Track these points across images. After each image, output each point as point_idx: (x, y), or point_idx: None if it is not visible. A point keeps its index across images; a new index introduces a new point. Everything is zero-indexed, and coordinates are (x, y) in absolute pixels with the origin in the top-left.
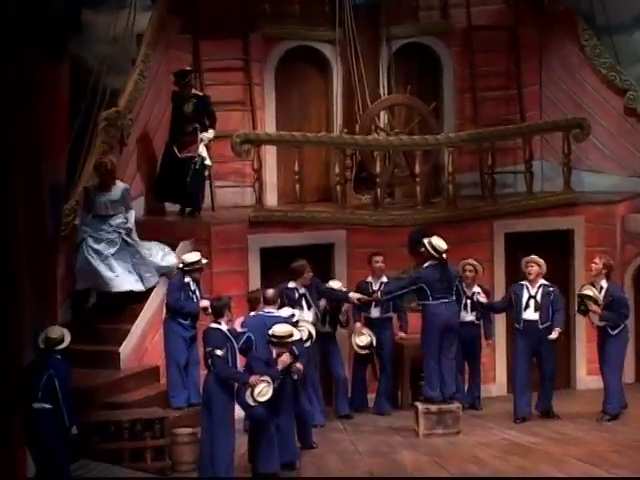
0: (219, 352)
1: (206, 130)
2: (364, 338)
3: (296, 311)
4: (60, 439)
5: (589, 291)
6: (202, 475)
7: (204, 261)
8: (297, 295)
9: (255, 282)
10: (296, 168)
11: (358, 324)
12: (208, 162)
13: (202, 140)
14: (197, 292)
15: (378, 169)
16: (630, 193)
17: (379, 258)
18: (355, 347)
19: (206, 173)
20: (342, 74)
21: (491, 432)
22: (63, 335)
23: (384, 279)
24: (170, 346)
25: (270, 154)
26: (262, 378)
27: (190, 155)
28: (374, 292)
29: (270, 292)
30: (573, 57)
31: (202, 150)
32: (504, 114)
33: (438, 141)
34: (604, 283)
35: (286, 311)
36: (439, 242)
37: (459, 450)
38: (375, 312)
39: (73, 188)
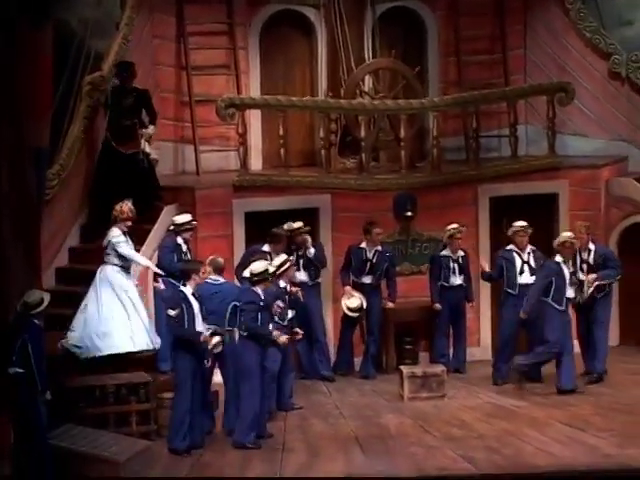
0: (171, 312)
1: (146, 126)
2: (354, 300)
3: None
4: (33, 404)
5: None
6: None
7: (194, 222)
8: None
9: (240, 246)
10: (281, 132)
11: (348, 287)
12: (154, 156)
13: (142, 136)
14: (189, 254)
15: (363, 133)
16: (614, 157)
17: (380, 230)
18: (345, 309)
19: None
20: (327, 38)
21: (476, 395)
22: (41, 299)
23: (379, 247)
24: (161, 308)
25: (255, 118)
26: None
27: (134, 151)
28: (369, 260)
29: (218, 260)
30: (557, 21)
31: (145, 146)
32: (488, 78)
33: (423, 105)
34: (591, 246)
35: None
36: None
37: (443, 413)
38: (367, 279)
39: (57, 153)
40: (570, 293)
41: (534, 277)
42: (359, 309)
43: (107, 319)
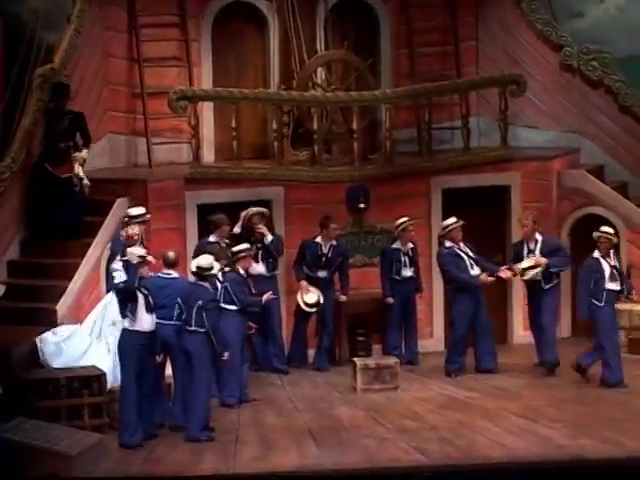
0: None
1: (79, 150)
2: (312, 296)
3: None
4: None
5: (525, 264)
6: None
7: (148, 215)
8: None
9: (192, 239)
10: (233, 124)
11: (304, 282)
12: (86, 181)
13: (76, 159)
14: (141, 246)
15: (315, 125)
16: (566, 149)
17: (336, 225)
18: (302, 305)
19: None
20: (279, 30)
21: (428, 387)
22: None
23: (334, 242)
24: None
25: (207, 110)
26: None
27: (69, 176)
28: (324, 254)
29: (170, 254)
30: (509, 13)
31: (78, 170)
32: (441, 70)
33: (375, 97)
34: (538, 236)
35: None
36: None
37: (396, 405)
38: (322, 273)
39: (8, 146)
40: (612, 286)
41: (477, 270)
42: (317, 304)
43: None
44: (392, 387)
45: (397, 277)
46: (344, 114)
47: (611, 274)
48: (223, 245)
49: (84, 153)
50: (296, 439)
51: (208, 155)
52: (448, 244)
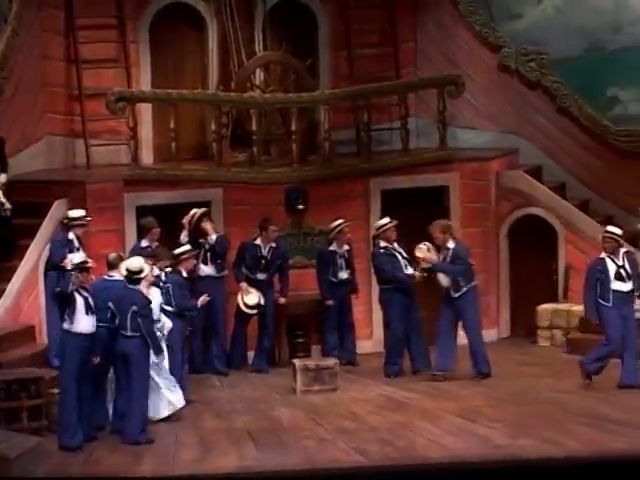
0: None
1: None
2: (252, 297)
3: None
4: None
5: (419, 252)
6: None
7: (88, 218)
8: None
9: (131, 241)
10: (172, 126)
11: (244, 284)
12: (8, 205)
13: None
14: (80, 249)
15: (254, 127)
16: (504, 149)
17: (275, 227)
18: (243, 307)
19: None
20: (217, 31)
21: (368, 388)
22: None
23: (273, 244)
24: (52, 303)
25: (145, 112)
26: None
27: None
28: (263, 257)
29: (110, 256)
30: (447, 14)
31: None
32: (379, 71)
33: (313, 98)
34: (451, 244)
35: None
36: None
37: (336, 406)
38: (262, 275)
39: None
40: (619, 286)
41: (411, 270)
42: (257, 306)
43: None
44: (331, 388)
45: (334, 279)
46: (283, 115)
47: (617, 274)
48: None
49: (2, 178)
50: (235, 441)
51: (147, 156)
52: (383, 244)
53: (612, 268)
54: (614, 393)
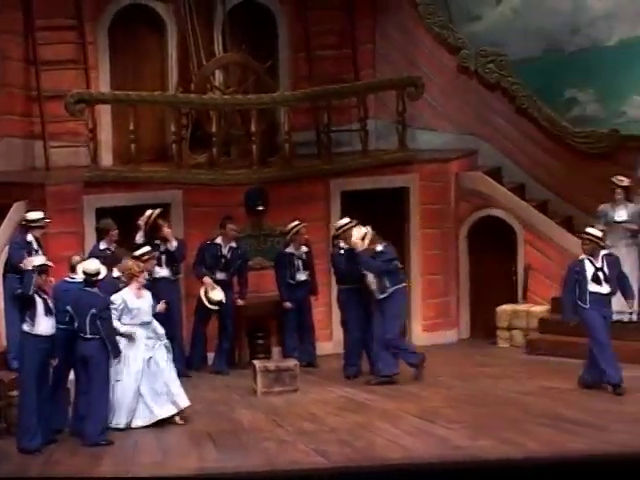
0: None
1: None
2: (217, 293)
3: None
4: None
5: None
6: None
7: (47, 220)
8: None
9: (90, 243)
10: (131, 127)
11: (208, 279)
12: None
13: None
14: (40, 251)
15: (214, 128)
16: (463, 151)
17: (233, 226)
18: (205, 301)
19: None
20: (177, 33)
21: (328, 389)
22: None
23: (233, 244)
24: (10, 305)
25: (105, 113)
26: None
27: None
28: (223, 256)
29: (74, 258)
30: (407, 16)
31: None
32: (339, 72)
33: (273, 100)
34: (379, 247)
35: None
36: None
37: (296, 408)
38: (221, 275)
39: None
40: (595, 288)
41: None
42: (219, 303)
43: None
44: (292, 389)
45: (291, 281)
46: (242, 117)
47: (594, 276)
48: (112, 250)
49: None
50: (196, 442)
51: (106, 158)
52: (342, 244)
53: (590, 270)
54: (573, 394)
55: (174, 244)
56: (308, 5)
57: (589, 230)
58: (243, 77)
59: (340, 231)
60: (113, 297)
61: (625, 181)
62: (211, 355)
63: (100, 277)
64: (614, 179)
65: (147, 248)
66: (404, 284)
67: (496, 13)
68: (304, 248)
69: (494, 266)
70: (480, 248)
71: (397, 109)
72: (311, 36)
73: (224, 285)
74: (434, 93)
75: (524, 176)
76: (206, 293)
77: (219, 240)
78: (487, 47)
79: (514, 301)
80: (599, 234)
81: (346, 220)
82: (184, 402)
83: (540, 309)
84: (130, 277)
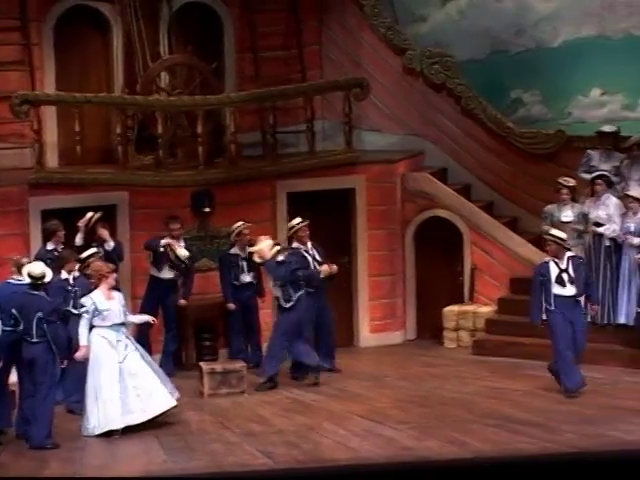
0: None
1: None
2: (183, 250)
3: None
4: None
5: (258, 244)
6: None
7: None
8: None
9: (36, 245)
10: (77, 129)
11: (168, 239)
12: None
13: None
14: None
15: (160, 129)
16: (409, 152)
17: (176, 225)
18: (174, 258)
19: None
20: (122, 34)
21: (275, 391)
22: None
23: (182, 243)
24: None
25: (50, 115)
26: None
27: None
28: (176, 256)
29: (18, 260)
30: (352, 16)
31: None
32: (285, 73)
33: (219, 101)
34: (280, 257)
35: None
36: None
37: (243, 409)
38: (168, 274)
39: None
40: (559, 291)
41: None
42: (190, 258)
43: None
44: (239, 391)
45: (236, 282)
46: (189, 118)
47: (558, 278)
48: (60, 251)
49: None
50: (143, 445)
51: (52, 160)
52: (295, 244)
53: (554, 272)
54: (519, 394)
55: (111, 244)
56: (254, 6)
57: (553, 232)
58: (189, 78)
59: (292, 231)
60: (83, 299)
61: (571, 182)
62: (157, 357)
63: (46, 280)
64: (560, 180)
65: (93, 250)
66: (309, 289)
67: (441, 14)
68: (249, 249)
69: (440, 267)
70: (426, 249)
71: (343, 110)
72: (257, 37)
73: (169, 285)
74: (380, 94)
75: (470, 177)
76: (174, 250)
77: (165, 239)
78: (432, 48)
79: (460, 302)
80: (563, 236)
81: (297, 220)
82: (165, 405)
83: (486, 309)
84: (99, 278)
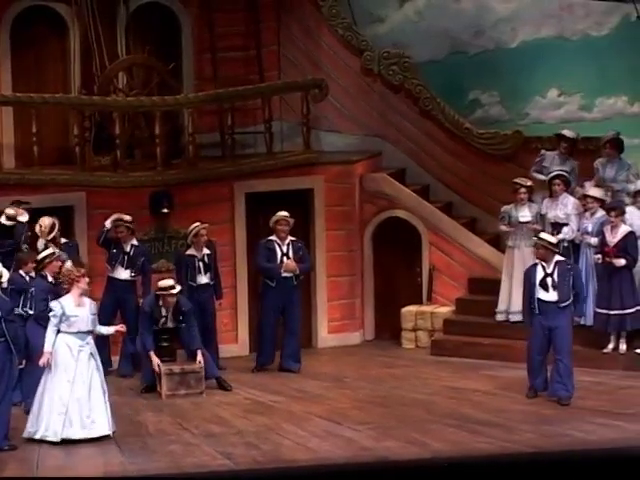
0: None
1: None
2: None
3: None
4: None
5: None
6: None
7: None
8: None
9: None
10: (34, 130)
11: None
12: None
13: None
14: None
15: (117, 130)
16: (368, 152)
17: (123, 230)
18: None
19: None
20: (79, 34)
21: (234, 391)
22: None
23: (135, 242)
24: None
25: (6, 115)
26: None
27: None
28: (126, 253)
29: None
30: (310, 17)
31: None
32: (243, 74)
33: (177, 102)
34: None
35: None
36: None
37: (202, 410)
38: (124, 274)
39: None
40: (542, 295)
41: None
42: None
43: None
44: (197, 392)
45: (192, 283)
46: (146, 119)
47: (542, 282)
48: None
49: None
50: (100, 446)
51: (8, 161)
52: (271, 237)
53: (539, 276)
54: (478, 394)
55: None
56: (212, 7)
57: (542, 235)
58: (147, 79)
59: (271, 223)
60: (52, 303)
61: (528, 182)
62: (115, 358)
63: (3, 280)
64: (517, 180)
65: (49, 250)
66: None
67: (400, 15)
68: (206, 250)
69: (399, 267)
70: (385, 250)
71: (302, 111)
72: (216, 37)
73: (127, 286)
74: (339, 95)
75: (428, 177)
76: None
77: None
78: (391, 49)
79: (419, 302)
80: (553, 240)
81: (282, 213)
82: (103, 430)
83: (445, 310)
84: (70, 282)
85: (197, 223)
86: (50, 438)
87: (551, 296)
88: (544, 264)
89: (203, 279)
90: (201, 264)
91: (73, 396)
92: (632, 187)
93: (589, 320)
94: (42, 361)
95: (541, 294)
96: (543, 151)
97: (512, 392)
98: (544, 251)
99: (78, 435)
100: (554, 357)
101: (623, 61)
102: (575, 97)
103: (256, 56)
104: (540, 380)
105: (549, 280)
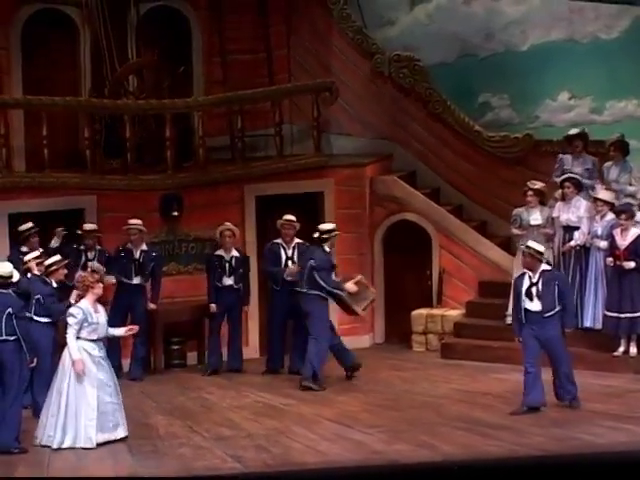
0: None
1: None
2: None
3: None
4: None
5: None
6: None
7: None
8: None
9: (3, 249)
10: (44, 133)
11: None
12: None
13: None
14: None
15: (128, 133)
16: (378, 155)
17: (135, 232)
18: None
19: None
20: (90, 37)
21: (244, 394)
22: None
23: (144, 247)
24: None
25: (17, 118)
26: None
27: None
28: (136, 260)
29: None
30: (321, 21)
31: None
32: (253, 77)
33: (187, 105)
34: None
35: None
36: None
37: (212, 413)
38: (135, 279)
39: None
40: (527, 304)
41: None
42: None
43: None
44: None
45: (218, 284)
46: (157, 122)
47: (527, 291)
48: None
49: None
50: (111, 449)
51: (19, 164)
52: (277, 240)
53: (525, 285)
54: (488, 397)
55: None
56: (222, 10)
57: (530, 244)
58: (157, 82)
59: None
60: (72, 309)
61: (537, 184)
62: (126, 362)
63: (14, 279)
64: (528, 183)
65: (57, 257)
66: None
67: (410, 18)
68: (235, 253)
69: (409, 270)
70: (395, 253)
71: (312, 114)
72: (225, 41)
73: (137, 290)
74: (349, 98)
75: (438, 180)
76: None
77: (129, 245)
78: (401, 52)
79: (429, 305)
80: (540, 248)
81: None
82: (123, 432)
83: (455, 313)
84: (85, 289)
85: (227, 223)
86: (83, 445)
87: (535, 306)
88: (530, 273)
89: (228, 281)
90: (227, 265)
91: (100, 401)
92: (631, 189)
93: (597, 323)
94: (78, 369)
95: (527, 304)
96: (560, 155)
97: (522, 395)
98: (531, 259)
99: (106, 438)
100: (553, 367)
101: (633, 64)
102: (585, 100)
103: (266, 59)
104: (533, 395)
105: (534, 289)
